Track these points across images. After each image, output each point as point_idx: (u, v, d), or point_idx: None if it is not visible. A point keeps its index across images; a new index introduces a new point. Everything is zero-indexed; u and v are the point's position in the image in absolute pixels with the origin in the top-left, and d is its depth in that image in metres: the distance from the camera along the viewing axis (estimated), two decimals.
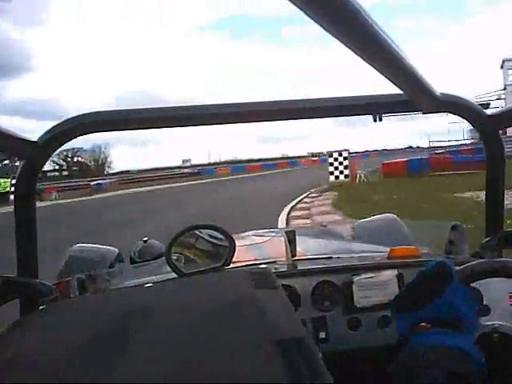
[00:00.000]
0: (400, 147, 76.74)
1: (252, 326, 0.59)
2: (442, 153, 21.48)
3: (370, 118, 1.14)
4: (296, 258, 1.30)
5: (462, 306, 0.76)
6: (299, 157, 72.54)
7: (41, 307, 0.86)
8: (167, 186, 28.44)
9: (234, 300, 0.67)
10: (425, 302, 0.77)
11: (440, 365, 0.70)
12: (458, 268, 0.81)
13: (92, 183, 34.11)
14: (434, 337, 0.74)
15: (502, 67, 31.28)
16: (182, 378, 0.50)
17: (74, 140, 1.04)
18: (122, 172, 61.49)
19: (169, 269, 1.05)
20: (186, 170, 49.43)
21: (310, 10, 0.41)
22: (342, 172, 16.83)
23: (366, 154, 64.09)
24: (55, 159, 58.79)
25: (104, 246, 2.07)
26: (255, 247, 1.66)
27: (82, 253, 1.96)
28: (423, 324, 0.77)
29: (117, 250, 2.02)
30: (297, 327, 0.58)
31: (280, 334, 0.55)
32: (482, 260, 0.82)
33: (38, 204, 1.08)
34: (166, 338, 0.58)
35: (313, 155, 68.84)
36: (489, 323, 0.95)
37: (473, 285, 0.84)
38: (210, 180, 32.85)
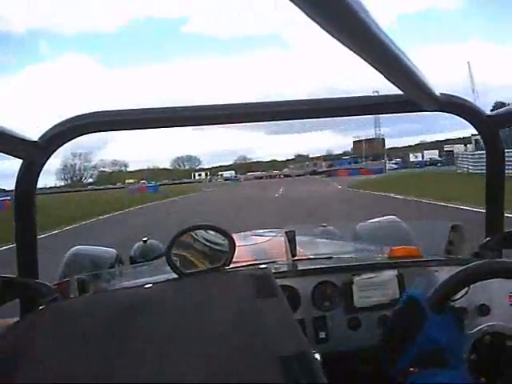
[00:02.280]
0: None
1: (251, 330, 0.59)
2: None
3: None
4: (296, 258, 1.29)
5: (443, 337, 0.78)
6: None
7: (41, 307, 0.86)
8: None
9: (234, 304, 0.67)
10: (407, 344, 0.79)
11: None
12: (428, 294, 0.82)
13: None
14: (423, 380, 0.76)
15: None
16: (181, 378, 0.50)
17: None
18: None
19: (169, 269, 1.04)
20: None
21: (310, 10, 0.41)
22: None
23: None
24: None
25: (103, 248, 2.07)
26: (255, 247, 1.66)
27: (82, 254, 1.96)
28: (411, 369, 0.78)
29: (115, 252, 2.02)
30: (296, 335, 0.58)
31: (279, 342, 0.55)
32: (447, 278, 0.82)
33: None
34: (166, 339, 0.58)
35: None
36: (481, 326, 0.96)
37: (474, 284, 0.84)
38: None
